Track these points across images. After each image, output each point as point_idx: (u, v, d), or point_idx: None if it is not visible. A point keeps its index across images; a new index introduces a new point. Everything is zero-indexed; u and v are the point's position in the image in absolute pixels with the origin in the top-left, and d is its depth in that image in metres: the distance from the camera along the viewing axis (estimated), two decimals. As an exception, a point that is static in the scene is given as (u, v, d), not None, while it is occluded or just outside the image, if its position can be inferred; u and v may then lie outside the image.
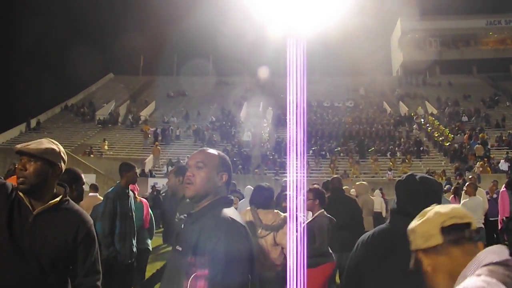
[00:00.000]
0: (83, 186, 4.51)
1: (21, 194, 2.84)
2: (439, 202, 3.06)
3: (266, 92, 52.46)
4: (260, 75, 57.25)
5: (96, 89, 58.51)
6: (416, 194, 2.94)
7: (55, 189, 2.99)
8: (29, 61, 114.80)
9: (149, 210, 7.31)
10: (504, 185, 13.92)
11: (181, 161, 29.33)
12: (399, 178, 3.14)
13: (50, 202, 2.87)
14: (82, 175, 4.54)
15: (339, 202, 7.77)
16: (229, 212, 2.57)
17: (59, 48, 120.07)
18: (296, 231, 4.79)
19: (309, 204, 5.93)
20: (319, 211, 5.95)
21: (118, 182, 6.49)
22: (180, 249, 2.53)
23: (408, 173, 3.12)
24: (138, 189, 7.57)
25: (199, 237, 2.42)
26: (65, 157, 3.05)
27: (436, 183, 3.06)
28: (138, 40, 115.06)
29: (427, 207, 2.90)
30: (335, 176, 9.53)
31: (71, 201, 3.02)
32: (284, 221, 5.58)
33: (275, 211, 5.74)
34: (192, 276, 2.36)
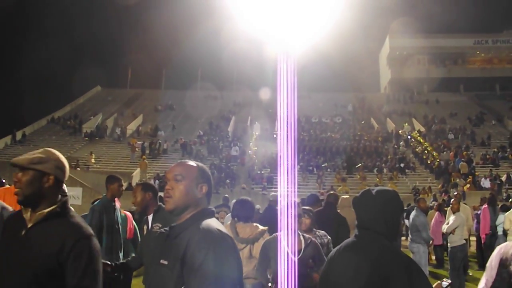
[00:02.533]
0: (67, 198, 4.44)
1: (22, 206, 2.82)
2: (400, 214, 3.10)
3: (254, 107, 52.65)
4: (248, 91, 57.48)
5: (84, 102, 58.27)
6: (374, 209, 2.95)
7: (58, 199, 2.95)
8: (15, 73, 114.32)
9: (133, 222, 7.19)
10: (484, 202, 14.13)
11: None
12: (356, 195, 3.14)
13: (39, 213, 2.81)
14: (64, 187, 4.48)
15: (328, 218, 7.76)
16: (214, 223, 2.56)
17: (46, 60, 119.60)
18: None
19: (308, 224, 5.78)
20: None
21: (104, 195, 6.46)
22: (165, 263, 2.50)
23: (364, 189, 3.12)
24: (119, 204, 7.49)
25: (186, 250, 2.40)
26: (63, 165, 3.01)
27: (395, 196, 3.04)
28: (126, 53, 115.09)
29: (388, 219, 2.95)
30: (332, 192, 9.52)
31: (70, 211, 2.95)
32: (260, 234, 5.62)
33: (254, 224, 5.77)
34: None
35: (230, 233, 5.63)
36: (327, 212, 8.13)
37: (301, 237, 5.02)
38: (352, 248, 2.98)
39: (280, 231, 4.08)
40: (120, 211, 6.94)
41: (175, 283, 2.39)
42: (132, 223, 6.99)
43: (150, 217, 5.29)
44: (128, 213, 7.13)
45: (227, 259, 2.41)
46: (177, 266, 2.41)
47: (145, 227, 5.40)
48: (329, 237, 6.00)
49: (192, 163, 2.75)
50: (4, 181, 8.35)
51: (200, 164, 2.77)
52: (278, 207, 3.16)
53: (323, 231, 6.06)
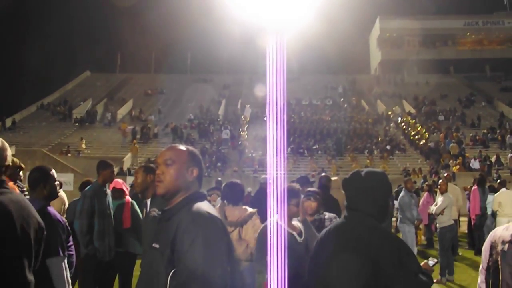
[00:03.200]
0: (56, 184, 4.43)
1: None
2: (389, 195, 3.14)
3: (244, 90, 52.61)
4: (238, 74, 57.36)
5: (73, 87, 57.91)
6: (363, 190, 2.97)
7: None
8: (3, 59, 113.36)
9: (133, 209, 7.00)
10: (475, 183, 14.26)
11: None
12: (346, 177, 3.17)
13: None
14: (53, 172, 4.46)
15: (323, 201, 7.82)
16: (204, 206, 2.57)
17: (34, 46, 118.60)
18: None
19: (314, 207, 5.62)
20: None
21: (95, 180, 6.45)
22: (157, 246, 2.50)
23: (354, 170, 3.14)
24: (128, 188, 7.38)
25: (176, 233, 2.41)
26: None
27: (383, 177, 3.07)
28: (115, 37, 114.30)
29: (376, 200, 2.98)
30: (324, 174, 9.56)
31: (4, 193, 2.84)
32: (249, 216, 5.65)
33: (243, 207, 5.78)
34: (171, 272, 2.36)
35: (220, 216, 5.68)
36: (321, 194, 8.16)
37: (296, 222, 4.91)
38: (341, 229, 3.01)
39: (270, 216, 4.02)
40: (123, 196, 6.88)
41: (166, 266, 2.39)
42: (129, 211, 6.89)
43: (148, 201, 5.33)
44: (128, 199, 6.98)
45: (216, 241, 2.41)
46: (167, 249, 2.41)
47: (144, 211, 5.43)
48: (334, 218, 5.75)
49: (182, 147, 2.76)
50: None
51: (190, 148, 2.78)
52: (268, 192, 3.16)
53: (332, 214, 5.95)
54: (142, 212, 5.78)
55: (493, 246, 2.81)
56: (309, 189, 5.82)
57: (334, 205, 7.91)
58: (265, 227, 4.88)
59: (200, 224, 2.42)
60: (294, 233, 4.70)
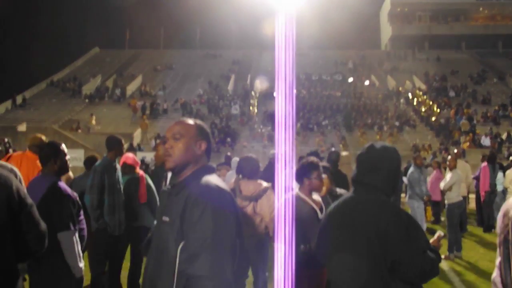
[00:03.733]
0: (67, 159, 4.46)
1: None
2: (400, 171, 3.15)
3: (254, 65, 52.45)
4: (247, 49, 57.11)
5: (82, 64, 57.96)
6: (376, 164, 3.00)
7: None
8: (13, 37, 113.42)
9: (147, 183, 7.08)
10: (486, 160, 14.22)
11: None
12: (357, 152, 3.19)
13: None
14: (64, 147, 4.49)
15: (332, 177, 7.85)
16: (213, 179, 2.59)
17: (43, 23, 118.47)
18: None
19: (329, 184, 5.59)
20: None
21: (105, 155, 6.49)
22: (167, 219, 2.52)
23: (368, 144, 3.15)
24: (139, 162, 7.42)
25: (185, 206, 2.44)
26: None
27: (396, 151, 3.11)
28: (124, 13, 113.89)
29: (389, 175, 2.99)
30: (334, 150, 9.61)
31: None
32: (263, 191, 5.67)
33: (258, 181, 5.81)
34: (181, 245, 2.40)
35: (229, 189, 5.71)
36: (332, 172, 8.19)
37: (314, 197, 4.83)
38: (351, 204, 3.02)
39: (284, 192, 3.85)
40: (134, 171, 6.93)
41: (175, 239, 2.42)
42: (144, 186, 6.95)
43: (169, 174, 5.34)
44: (142, 174, 7.04)
45: (225, 214, 2.44)
46: (177, 222, 2.44)
47: (164, 183, 5.48)
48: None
49: (190, 121, 2.77)
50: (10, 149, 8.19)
51: (198, 121, 2.79)
52: (276, 167, 3.14)
53: (343, 190, 5.85)
54: (161, 184, 5.82)
55: (505, 214, 2.82)
56: (322, 164, 5.56)
57: (342, 181, 7.94)
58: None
59: (209, 197, 2.44)
60: (316, 208, 4.67)
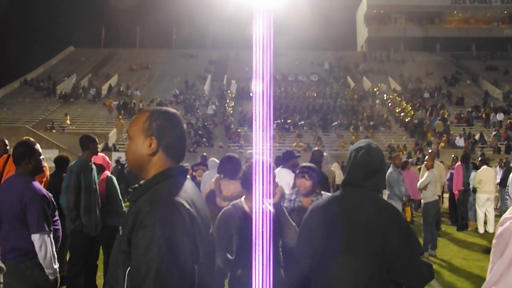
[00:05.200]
0: (41, 157, 4.41)
1: None
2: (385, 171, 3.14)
3: (230, 65, 52.45)
4: (224, 49, 57.09)
5: (57, 63, 57.32)
6: (374, 164, 2.98)
7: None
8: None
9: (110, 183, 7.11)
10: (457, 160, 14.47)
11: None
12: (362, 151, 3.00)
13: None
14: (38, 146, 4.44)
15: None
16: (171, 189, 2.07)
17: (17, 20, 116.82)
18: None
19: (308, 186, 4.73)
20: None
21: (80, 155, 6.44)
22: (121, 231, 2.10)
23: (364, 142, 3.07)
24: (110, 162, 7.40)
25: (134, 223, 1.95)
26: None
27: (381, 152, 3.08)
28: (100, 12, 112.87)
29: (384, 175, 2.97)
30: (316, 149, 9.52)
31: None
32: (242, 192, 5.65)
33: (239, 181, 5.80)
34: (127, 269, 1.96)
35: (214, 189, 5.70)
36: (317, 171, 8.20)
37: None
38: (346, 205, 2.96)
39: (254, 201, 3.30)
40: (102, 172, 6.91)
41: (123, 260, 2.01)
42: (103, 187, 6.94)
43: None
44: (106, 174, 7.06)
45: (177, 238, 1.90)
46: (125, 240, 2.00)
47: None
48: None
49: (144, 113, 2.25)
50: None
51: (155, 110, 2.27)
52: (253, 170, 2.99)
53: (330, 194, 4.94)
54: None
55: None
56: (305, 164, 4.89)
57: (323, 182, 7.95)
58: (226, 211, 4.00)
59: (158, 217, 1.90)
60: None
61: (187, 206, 1.99)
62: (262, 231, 2.65)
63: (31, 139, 4.63)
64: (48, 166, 6.02)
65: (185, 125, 2.30)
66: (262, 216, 2.48)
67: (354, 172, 2.98)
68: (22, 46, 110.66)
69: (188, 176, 2.27)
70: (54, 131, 34.27)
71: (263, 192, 2.84)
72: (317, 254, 2.96)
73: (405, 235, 2.80)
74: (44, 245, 4.01)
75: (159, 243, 1.85)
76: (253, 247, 2.66)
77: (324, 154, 9.60)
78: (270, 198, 2.93)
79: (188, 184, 2.18)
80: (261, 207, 2.58)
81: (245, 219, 3.70)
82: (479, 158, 14.50)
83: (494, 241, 2.26)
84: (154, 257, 1.84)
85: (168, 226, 1.89)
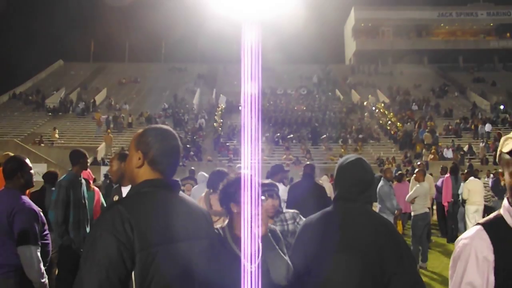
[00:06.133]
0: (31, 172, 4.39)
1: None
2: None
3: (219, 79, 52.55)
4: (213, 63, 57.22)
5: (46, 77, 57.16)
6: (366, 178, 2.97)
7: None
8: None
9: (101, 199, 7.14)
10: (445, 172, 14.55)
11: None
12: (356, 165, 3.00)
13: None
14: (28, 161, 4.42)
15: (309, 189, 7.85)
16: (127, 198, 2.29)
17: (6, 34, 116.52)
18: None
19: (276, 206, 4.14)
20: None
21: (70, 169, 6.40)
22: None
23: (356, 156, 3.06)
24: (93, 177, 7.43)
25: None
26: None
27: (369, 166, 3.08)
28: (89, 26, 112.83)
29: (374, 188, 2.96)
30: (308, 163, 9.53)
31: None
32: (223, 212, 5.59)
33: None
34: None
35: (204, 205, 5.65)
36: (306, 183, 8.21)
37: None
38: (343, 222, 2.91)
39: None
40: (89, 187, 6.90)
41: None
42: (99, 201, 6.94)
43: (125, 189, 5.16)
44: (96, 189, 7.07)
45: (101, 240, 2.02)
46: None
47: (115, 198, 5.31)
48: (300, 218, 4.25)
49: (142, 129, 2.45)
50: None
51: (149, 127, 2.45)
52: (238, 187, 2.85)
53: (294, 211, 4.40)
54: (112, 199, 5.76)
55: None
56: (267, 181, 4.22)
57: (322, 194, 7.93)
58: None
59: (97, 219, 2.20)
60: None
61: (123, 211, 2.07)
62: (250, 273, 2.55)
63: (21, 155, 4.61)
64: (37, 180, 5.99)
65: (177, 141, 2.43)
66: (251, 256, 2.35)
67: (349, 186, 2.94)
68: (11, 59, 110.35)
69: (181, 188, 2.43)
70: (42, 145, 34.09)
71: (251, 221, 2.68)
72: (312, 270, 2.92)
73: (403, 250, 2.80)
74: (30, 258, 3.97)
75: (87, 239, 2.09)
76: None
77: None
78: (257, 227, 2.73)
79: (163, 196, 2.26)
80: (250, 246, 2.33)
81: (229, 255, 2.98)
82: (466, 170, 14.60)
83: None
84: (83, 250, 2.11)
85: (96, 226, 2.10)
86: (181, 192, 2.41)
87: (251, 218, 2.69)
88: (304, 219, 3.32)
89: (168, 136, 2.40)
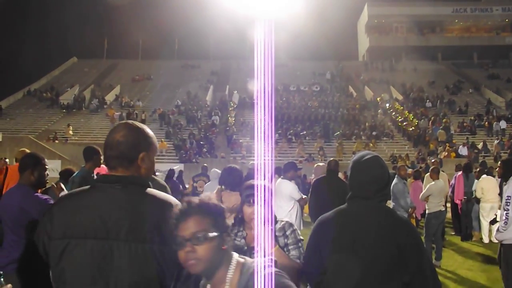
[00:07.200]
0: (46, 172, 4.40)
1: None
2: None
3: (232, 76, 52.56)
4: (226, 60, 57.25)
5: (60, 74, 57.48)
6: (382, 175, 2.92)
7: None
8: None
9: None
10: (458, 169, 14.46)
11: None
12: (373, 162, 2.94)
13: None
14: (45, 162, 4.43)
15: (336, 185, 7.84)
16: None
17: (21, 32, 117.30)
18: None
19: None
20: None
21: (82, 166, 6.42)
22: None
23: (370, 155, 2.99)
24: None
25: None
26: None
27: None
28: (102, 23, 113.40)
29: (389, 186, 2.92)
30: (332, 159, 9.46)
31: None
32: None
33: None
34: None
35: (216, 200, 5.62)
36: (331, 179, 8.19)
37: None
38: (361, 221, 2.87)
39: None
40: None
41: None
42: None
43: None
44: None
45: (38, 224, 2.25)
46: None
47: None
48: (292, 230, 3.46)
49: None
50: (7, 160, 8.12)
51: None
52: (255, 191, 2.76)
53: (287, 221, 3.59)
54: None
55: None
56: (248, 183, 3.42)
57: (342, 189, 7.75)
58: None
59: None
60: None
61: (55, 203, 2.32)
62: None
63: (39, 154, 4.61)
64: (51, 177, 6.01)
65: (117, 134, 2.31)
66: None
67: (366, 184, 2.89)
68: (25, 57, 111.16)
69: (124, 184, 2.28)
70: (56, 141, 34.31)
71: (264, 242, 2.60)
72: (327, 269, 2.87)
73: (423, 249, 2.80)
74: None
75: None
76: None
77: (322, 164, 9.57)
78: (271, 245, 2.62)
79: (101, 191, 2.23)
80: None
81: None
82: (478, 169, 14.47)
83: None
84: None
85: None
86: (135, 188, 2.25)
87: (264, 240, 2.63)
88: (296, 229, 3.20)
89: (112, 130, 2.37)
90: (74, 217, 2.13)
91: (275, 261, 2.37)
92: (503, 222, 6.10)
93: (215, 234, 1.98)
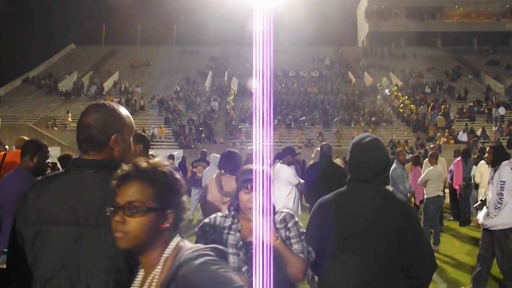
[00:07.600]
0: (44, 161, 4.41)
1: None
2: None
3: (231, 62, 52.46)
4: (224, 45, 57.08)
5: (58, 60, 57.37)
6: (383, 158, 2.94)
7: None
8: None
9: None
10: (457, 155, 14.49)
11: (146, 132, 29.15)
12: (373, 145, 2.92)
13: None
14: (47, 149, 4.44)
15: (327, 169, 7.84)
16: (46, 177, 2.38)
17: (19, 19, 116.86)
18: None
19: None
20: None
21: (81, 153, 6.42)
22: None
23: (372, 136, 2.99)
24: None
25: None
26: None
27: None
28: (100, 9, 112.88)
29: (389, 168, 2.92)
30: (325, 143, 9.40)
31: None
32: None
33: None
34: None
35: (215, 186, 5.64)
36: (324, 164, 8.18)
37: None
38: (360, 203, 2.88)
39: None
40: None
41: None
42: None
43: None
44: None
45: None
46: None
47: None
48: (293, 222, 3.03)
49: None
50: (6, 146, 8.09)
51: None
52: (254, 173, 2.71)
53: (288, 212, 3.12)
54: None
55: None
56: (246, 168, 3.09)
57: (340, 174, 7.67)
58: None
59: None
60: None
61: (32, 188, 2.20)
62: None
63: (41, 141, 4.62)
64: (51, 161, 6.02)
65: (87, 117, 2.33)
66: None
67: (365, 167, 2.87)
68: (23, 44, 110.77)
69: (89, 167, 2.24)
70: (55, 128, 34.33)
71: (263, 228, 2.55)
72: (328, 253, 2.87)
73: (422, 231, 2.81)
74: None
75: None
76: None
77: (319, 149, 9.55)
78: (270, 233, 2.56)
79: (71, 176, 2.21)
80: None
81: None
82: (476, 155, 14.48)
83: None
84: None
85: None
86: (107, 171, 1.98)
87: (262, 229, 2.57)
88: (299, 221, 2.99)
89: (83, 113, 2.37)
90: (46, 203, 2.10)
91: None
92: (495, 207, 6.14)
93: (153, 207, 1.70)
